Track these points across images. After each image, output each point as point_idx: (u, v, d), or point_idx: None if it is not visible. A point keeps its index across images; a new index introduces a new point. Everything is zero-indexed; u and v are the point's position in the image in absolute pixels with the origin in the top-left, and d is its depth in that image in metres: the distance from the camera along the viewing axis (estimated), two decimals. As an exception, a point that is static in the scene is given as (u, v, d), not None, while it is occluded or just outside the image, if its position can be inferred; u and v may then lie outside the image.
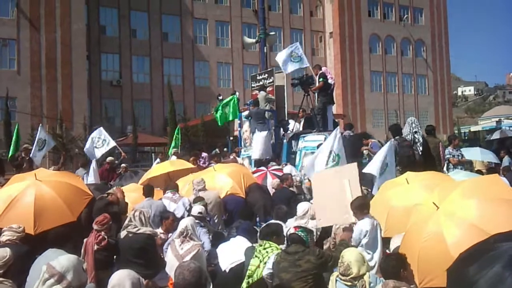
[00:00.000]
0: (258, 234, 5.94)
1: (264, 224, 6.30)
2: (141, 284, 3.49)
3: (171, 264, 5.23)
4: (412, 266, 4.15)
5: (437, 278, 3.94)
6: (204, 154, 16.32)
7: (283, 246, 5.32)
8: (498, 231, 3.67)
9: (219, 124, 15.74)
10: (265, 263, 5.02)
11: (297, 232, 5.00)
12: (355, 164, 7.51)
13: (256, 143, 12.55)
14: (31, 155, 12.72)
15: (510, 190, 5.16)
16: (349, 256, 4.39)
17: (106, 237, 5.96)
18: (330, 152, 8.60)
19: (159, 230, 6.67)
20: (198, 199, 7.55)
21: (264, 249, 5.20)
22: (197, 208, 6.88)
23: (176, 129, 18.59)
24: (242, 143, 14.52)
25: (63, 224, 6.55)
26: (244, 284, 5.15)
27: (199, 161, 16.13)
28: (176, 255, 5.29)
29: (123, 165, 13.90)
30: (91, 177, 11.74)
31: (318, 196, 6.86)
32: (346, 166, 7.48)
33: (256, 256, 5.19)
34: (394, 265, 4.02)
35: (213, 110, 16.09)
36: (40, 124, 16.20)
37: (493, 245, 2.94)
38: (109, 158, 13.82)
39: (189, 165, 11.00)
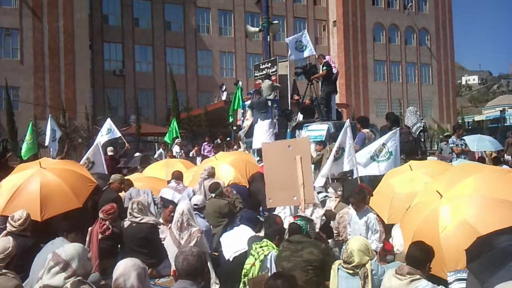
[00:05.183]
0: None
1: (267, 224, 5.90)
2: (146, 273, 3.51)
3: (174, 254, 5.25)
4: (436, 259, 4.14)
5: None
6: (209, 146, 16.59)
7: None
8: (505, 194, 3.79)
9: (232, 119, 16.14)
10: (261, 261, 4.95)
11: (295, 221, 5.01)
12: (308, 138, 7.36)
13: (258, 132, 12.51)
14: (46, 144, 13.08)
15: (495, 167, 5.22)
16: (353, 244, 4.38)
17: (110, 226, 6.00)
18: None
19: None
20: (214, 185, 7.50)
21: (261, 247, 5.08)
22: (195, 199, 6.83)
23: (172, 122, 18.70)
24: (243, 131, 14.52)
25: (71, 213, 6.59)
26: (241, 285, 5.05)
27: (203, 150, 16.47)
28: (178, 245, 5.31)
29: (137, 154, 14.17)
30: (98, 167, 10.77)
31: (269, 170, 6.29)
32: (299, 140, 7.17)
33: (251, 254, 5.11)
34: (424, 257, 4.00)
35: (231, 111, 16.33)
36: (50, 115, 16.46)
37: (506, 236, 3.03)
38: (109, 148, 13.69)
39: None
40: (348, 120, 8.71)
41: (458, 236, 4.28)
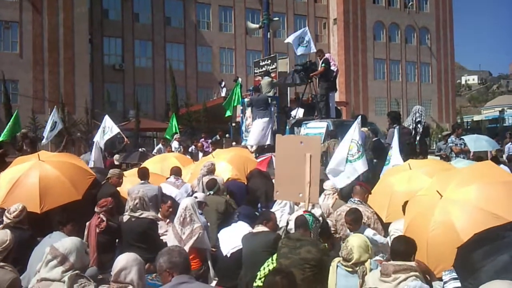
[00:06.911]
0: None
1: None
2: (144, 268, 3.52)
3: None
4: (421, 255, 4.15)
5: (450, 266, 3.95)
6: (207, 142, 16.76)
7: None
8: (502, 211, 3.78)
9: (230, 114, 16.03)
10: None
11: (305, 215, 4.99)
12: (319, 137, 7.31)
13: (255, 129, 12.48)
14: (44, 140, 13.16)
15: (506, 173, 5.24)
16: (353, 241, 4.38)
17: (104, 219, 5.97)
18: (352, 142, 7.49)
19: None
20: (211, 182, 7.49)
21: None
22: (199, 196, 6.82)
23: (172, 117, 18.73)
24: (244, 128, 14.50)
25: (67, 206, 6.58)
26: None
27: (203, 147, 16.71)
28: (179, 240, 5.31)
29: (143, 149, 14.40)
30: (94, 160, 11.00)
31: (279, 162, 6.32)
32: (312, 138, 7.16)
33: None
34: (408, 250, 3.98)
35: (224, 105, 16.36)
36: (55, 106, 16.56)
37: (506, 232, 2.98)
38: (116, 157, 14.06)
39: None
40: (359, 116, 8.45)
41: (443, 240, 4.28)
